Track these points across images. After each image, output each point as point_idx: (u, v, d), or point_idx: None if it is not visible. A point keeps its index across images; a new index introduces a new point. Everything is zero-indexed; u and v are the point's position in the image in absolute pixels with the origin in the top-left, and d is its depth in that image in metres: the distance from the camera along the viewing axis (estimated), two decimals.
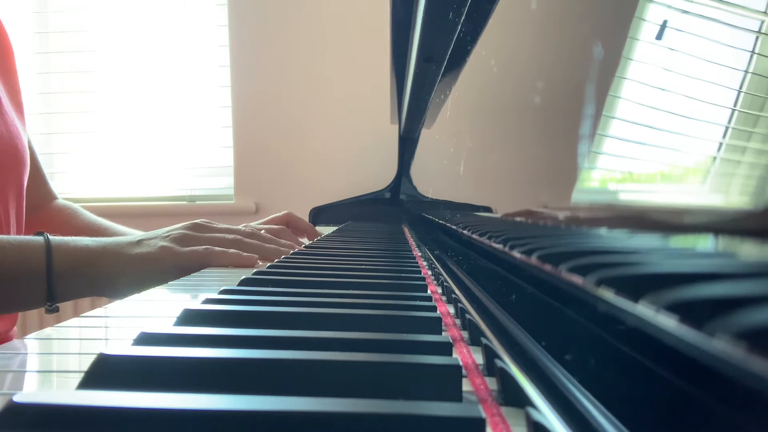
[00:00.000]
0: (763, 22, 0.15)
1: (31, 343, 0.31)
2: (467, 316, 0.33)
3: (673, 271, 0.16)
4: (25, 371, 0.27)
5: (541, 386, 0.21)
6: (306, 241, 0.85)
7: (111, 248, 0.63)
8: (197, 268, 0.62)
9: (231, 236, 0.67)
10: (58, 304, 0.62)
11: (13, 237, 0.62)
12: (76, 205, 0.95)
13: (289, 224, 0.92)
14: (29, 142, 0.86)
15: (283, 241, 0.73)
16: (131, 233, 0.88)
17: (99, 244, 0.63)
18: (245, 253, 0.64)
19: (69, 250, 0.62)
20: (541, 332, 0.26)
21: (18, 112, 0.83)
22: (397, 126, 1.40)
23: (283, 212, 0.95)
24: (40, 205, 0.91)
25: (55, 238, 0.62)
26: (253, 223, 0.92)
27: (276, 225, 0.90)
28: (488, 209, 0.43)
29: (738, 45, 0.15)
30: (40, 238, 0.61)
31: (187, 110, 1.77)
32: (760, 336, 0.11)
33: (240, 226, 0.72)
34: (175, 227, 0.68)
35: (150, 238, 0.65)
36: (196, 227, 0.68)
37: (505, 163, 0.41)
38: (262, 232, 0.86)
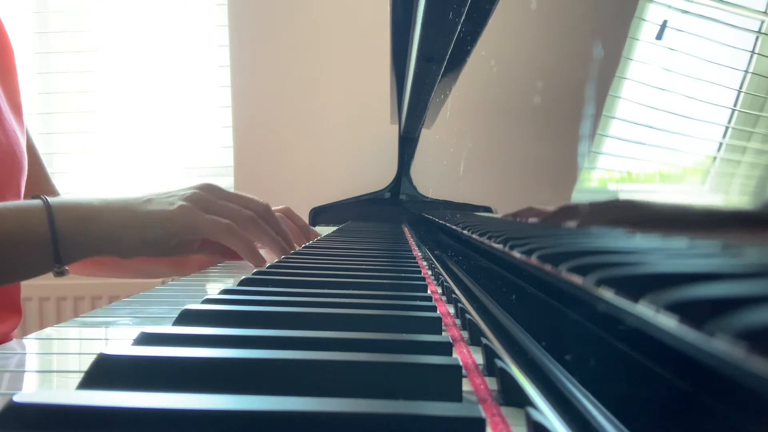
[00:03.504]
0: (763, 22, 0.15)
1: (31, 343, 0.31)
2: (467, 316, 0.33)
3: (673, 271, 0.16)
4: (24, 371, 0.27)
5: (541, 386, 0.21)
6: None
7: (115, 205, 0.61)
8: (213, 239, 0.60)
9: (248, 213, 0.64)
10: (66, 267, 0.60)
11: (11, 203, 0.60)
12: None
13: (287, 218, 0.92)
14: (30, 141, 0.86)
15: (291, 235, 0.72)
16: None
17: (102, 202, 0.61)
18: (258, 254, 0.62)
19: (71, 208, 0.59)
20: (541, 332, 0.26)
21: (16, 114, 0.83)
22: (397, 126, 1.40)
23: (281, 206, 0.94)
24: None
25: (54, 200, 0.60)
26: None
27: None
28: (488, 209, 0.43)
29: (738, 45, 0.15)
30: (38, 201, 0.59)
31: (187, 110, 1.77)
32: (760, 336, 0.11)
33: (254, 198, 0.69)
34: (188, 187, 0.64)
35: (161, 197, 0.62)
36: (210, 189, 0.64)
37: (505, 163, 0.41)
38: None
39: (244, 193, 0.69)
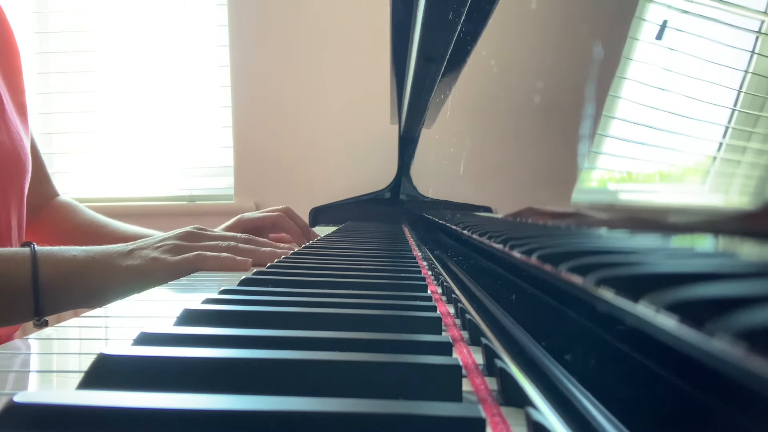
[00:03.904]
0: (763, 22, 0.15)
1: (32, 343, 0.31)
2: (467, 316, 0.33)
3: (673, 271, 0.16)
4: (24, 371, 0.27)
5: (541, 386, 0.21)
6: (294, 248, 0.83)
7: (100, 258, 0.61)
8: (189, 274, 0.60)
9: (225, 243, 0.65)
10: (47, 318, 0.60)
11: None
12: (76, 202, 0.94)
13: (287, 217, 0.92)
14: (33, 142, 0.86)
15: (281, 245, 0.72)
16: (130, 230, 0.88)
17: (88, 255, 0.61)
18: (239, 258, 0.62)
19: (56, 261, 0.59)
20: (541, 332, 0.26)
21: (21, 114, 0.83)
22: (397, 126, 1.40)
23: (281, 206, 0.94)
24: (42, 204, 0.91)
25: (41, 249, 0.60)
26: (247, 214, 0.90)
27: (274, 213, 0.89)
28: (488, 209, 0.43)
29: (738, 45, 0.15)
30: (26, 250, 0.59)
31: (187, 110, 1.77)
32: (760, 336, 0.11)
33: (238, 235, 0.70)
34: (169, 235, 0.66)
35: (142, 248, 0.63)
36: (189, 236, 0.66)
37: (505, 163, 0.41)
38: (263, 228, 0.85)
39: (228, 233, 0.70)
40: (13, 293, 0.57)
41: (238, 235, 0.70)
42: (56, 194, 0.95)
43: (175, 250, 0.63)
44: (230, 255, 0.62)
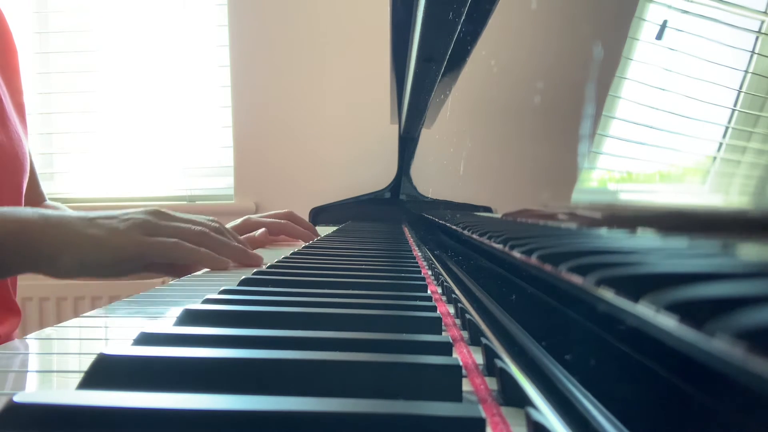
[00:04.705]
0: (763, 22, 0.15)
1: (31, 343, 0.31)
2: (467, 316, 0.33)
3: (673, 271, 0.16)
4: (24, 371, 0.27)
5: (541, 386, 0.21)
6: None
7: (56, 222, 0.57)
8: (160, 261, 0.57)
9: (197, 228, 0.61)
10: None
11: None
12: (63, 206, 0.94)
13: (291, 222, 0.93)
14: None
15: (251, 253, 0.67)
16: None
17: (42, 216, 0.57)
18: (219, 257, 0.60)
19: (5, 219, 0.56)
20: (541, 332, 0.26)
21: (19, 114, 0.83)
22: (397, 126, 1.40)
23: (284, 210, 0.95)
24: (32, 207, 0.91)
25: None
26: (254, 217, 0.91)
27: (279, 219, 0.90)
28: (488, 209, 0.43)
29: (738, 45, 0.15)
30: None
31: (187, 110, 1.77)
32: (760, 336, 0.11)
33: (205, 218, 0.65)
34: (135, 211, 0.61)
35: (105, 218, 0.59)
36: (157, 214, 0.61)
37: (505, 163, 0.41)
38: (263, 221, 0.84)
39: (196, 216, 0.65)
40: None
41: (209, 219, 0.65)
42: (44, 199, 0.95)
43: (145, 227, 0.59)
44: (210, 252, 0.59)
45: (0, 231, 0.55)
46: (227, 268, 0.60)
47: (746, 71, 0.15)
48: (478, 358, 0.28)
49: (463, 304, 0.37)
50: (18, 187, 0.79)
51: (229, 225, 0.86)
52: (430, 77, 0.79)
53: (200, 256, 0.59)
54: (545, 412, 0.19)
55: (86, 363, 0.21)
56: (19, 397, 0.17)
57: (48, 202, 0.95)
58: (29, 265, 0.58)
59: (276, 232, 0.90)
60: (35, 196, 0.92)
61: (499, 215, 0.39)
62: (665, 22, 0.19)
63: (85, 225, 0.58)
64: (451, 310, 0.39)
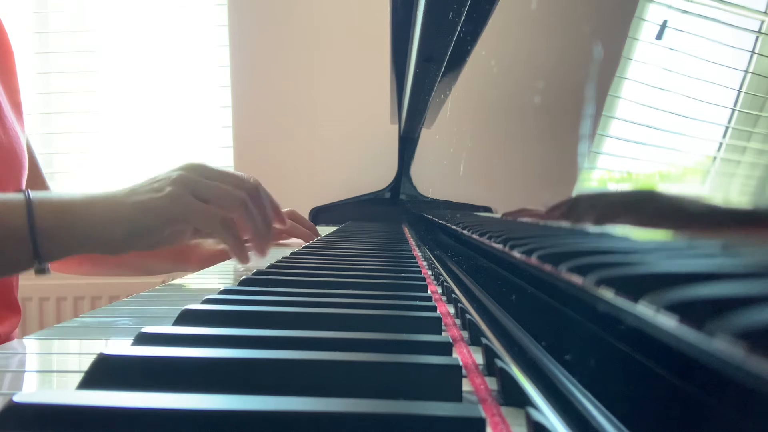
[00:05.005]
0: (763, 22, 0.15)
1: (31, 343, 0.31)
2: (467, 316, 0.33)
3: (673, 271, 0.16)
4: (24, 371, 0.27)
5: (541, 386, 0.21)
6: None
7: (100, 199, 0.57)
8: (204, 229, 0.57)
9: (239, 194, 0.60)
10: (48, 264, 0.57)
11: None
12: None
13: (293, 221, 0.93)
14: (28, 144, 0.86)
15: (278, 225, 0.69)
16: None
17: (86, 196, 0.57)
18: (246, 252, 0.60)
19: (52, 204, 0.56)
20: (541, 332, 0.26)
21: (17, 113, 0.83)
22: (397, 126, 1.40)
23: (286, 209, 0.95)
24: None
25: (37, 194, 0.56)
26: None
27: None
28: (488, 209, 0.43)
29: (738, 45, 0.15)
30: (20, 195, 0.56)
31: (187, 110, 1.77)
32: (760, 336, 0.11)
33: (244, 176, 0.64)
34: (172, 170, 0.60)
35: (145, 185, 0.59)
36: (197, 168, 0.61)
37: (505, 163, 0.41)
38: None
39: (234, 172, 0.65)
40: (10, 239, 0.54)
41: (245, 178, 0.64)
42: None
43: (185, 182, 0.58)
44: (240, 242, 0.59)
45: (51, 213, 0.55)
46: (246, 262, 0.60)
47: (746, 71, 0.15)
48: (478, 358, 0.28)
49: (463, 304, 0.37)
50: (17, 182, 0.79)
51: None
52: (430, 77, 0.79)
53: (237, 246, 0.58)
54: (545, 412, 0.19)
55: (86, 363, 0.21)
56: (19, 397, 0.17)
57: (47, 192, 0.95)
58: (79, 245, 0.57)
59: (278, 231, 0.91)
60: None
61: (499, 215, 0.39)
62: (665, 22, 0.19)
63: (128, 194, 0.57)
64: (451, 310, 0.39)
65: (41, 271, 0.57)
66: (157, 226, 0.57)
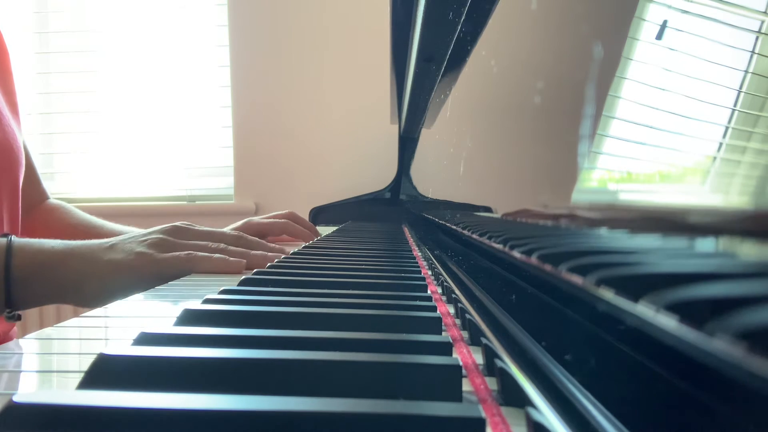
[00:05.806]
0: (763, 22, 0.15)
1: (31, 343, 0.31)
2: (467, 316, 0.33)
3: (673, 271, 0.16)
4: (21, 371, 0.27)
5: (541, 386, 0.21)
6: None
7: (79, 252, 0.58)
8: (178, 275, 0.57)
9: (214, 244, 0.61)
10: (19, 312, 0.57)
11: None
12: (68, 204, 0.95)
13: (293, 222, 0.94)
14: (24, 143, 0.86)
15: (271, 245, 0.69)
16: (125, 231, 0.88)
17: (66, 247, 0.58)
18: (231, 259, 0.59)
19: (32, 252, 0.56)
20: (541, 332, 0.26)
21: (13, 113, 0.83)
22: (397, 126, 1.40)
23: (285, 211, 0.96)
24: (33, 206, 0.91)
25: (17, 240, 0.57)
26: (256, 219, 0.92)
27: (280, 219, 0.91)
28: (488, 209, 0.43)
29: (738, 45, 0.15)
30: (2, 239, 0.56)
31: (187, 110, 1.77)
32: (760, 336, 0.11)
33: (226, 229, 0.65)
34: (153, 230, 0.62)
35: (125, 242, 0.59)
36: (175, 231, 0.62)
37: (505, 163, 0.41)
38: (261, 229, 0.84)
39: (215, 229, 0.65)
40: None
41: (227, 232, 0.66)
42: (47, 197, 0.95)
43: (161, 245, 0.59)
44: (222, 256, 0.59)
45: (29, 262, 0.56)
46: (240, 271, 0.59)
47: (746, 71, 0.15)
48: (478, 358, 0.28)
49: (463, 304, 0.37)
50: (14, 179, 0.79)
51: (230, 226, 0.86)
52: (430, 77, 0.79)
53: (213, 263, 0.58)
54: (545, 412, 0.19)
55: (86, 363, 0.21)
56: (18, 397, 0.17)
57: (51, 200, 0.95)
58: (56, 296, 0.58)
59: (278, 232, 0.92)
60: (36, 195, 0.92)
61: (499, 215, 0.39)
62: (665, 22, 0.19)
63: (106, 252, 0.58)
64: (451, 310, 0.39)
65: (12, 318, 0.57)
66: (127, 285, 0.56)
